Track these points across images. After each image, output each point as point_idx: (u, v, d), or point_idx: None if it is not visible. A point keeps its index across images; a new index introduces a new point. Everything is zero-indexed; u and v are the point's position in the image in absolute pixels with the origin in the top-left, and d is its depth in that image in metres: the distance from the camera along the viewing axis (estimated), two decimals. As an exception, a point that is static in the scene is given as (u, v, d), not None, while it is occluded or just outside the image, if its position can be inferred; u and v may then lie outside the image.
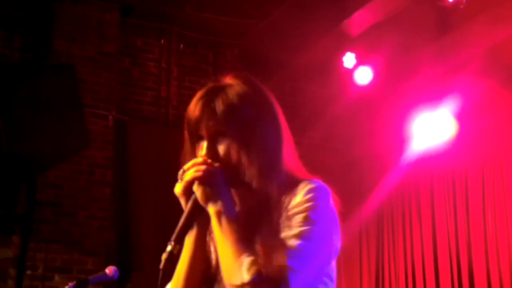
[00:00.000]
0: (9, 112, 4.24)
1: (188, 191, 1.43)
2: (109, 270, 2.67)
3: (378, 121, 6.15)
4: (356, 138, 6.32)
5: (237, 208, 1.44)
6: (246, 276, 1.33)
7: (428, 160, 5.92)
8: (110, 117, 5.70)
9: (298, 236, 1.39)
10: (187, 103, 6.01)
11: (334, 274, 1.52)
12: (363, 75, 5.83)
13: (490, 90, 5.36)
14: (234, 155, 1.45)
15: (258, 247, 1.38)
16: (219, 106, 1.49)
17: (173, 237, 1.41)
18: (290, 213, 1.43)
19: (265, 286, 1.32)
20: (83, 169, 5.55)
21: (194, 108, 1.51)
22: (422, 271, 5.91)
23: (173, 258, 1.40)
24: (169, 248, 1.39)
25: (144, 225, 5.39)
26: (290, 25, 5.63)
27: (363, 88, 5.88)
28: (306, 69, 6.12)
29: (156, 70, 6.25)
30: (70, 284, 2.50)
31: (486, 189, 5.59)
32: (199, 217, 1.44)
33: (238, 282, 1.34)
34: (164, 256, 1.39)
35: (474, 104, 5.48)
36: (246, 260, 1.34)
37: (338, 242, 1.52)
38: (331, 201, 1.51)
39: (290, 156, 1.53)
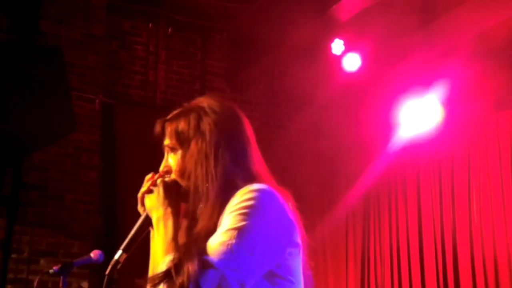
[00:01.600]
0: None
1: (142, 204, 1.62)
2: (94, 254, 2.67)
3: (366, 107, 6.16)
4: (344, 124, 6.33)
5: (181, 215, 1.57)
6: (163, 267, 1.43)
7: (415, 147, 5.95)
8: (97, 100, 5.67)
9: (222, 234, 1.43)
10: (175, 87, 6.04)
11: (291, 273, 1.51)
12: (352, 62, 5.84)
13: (478, 76, 5.38)
14: (182, 168, 1.59)
15: (191, 247, 1.46)
16: (170, 125, 1.64)
17: (122, 246, 1.58)
18: (226, 213, 1.47)
19: (185, 278, 1.38)
20: (69, 152, 5.52)
21: (156, 127, 1.68)
22: (407, 256, 5.96)
23: (118, 265, 1.55)
24: (116, 256, 1.56)
25: (130, 209, 5.35)
26: (278, 10, 5.61)
27: (351, 74, 5.88)
28: (295, 54, 6.11)
29: (144, 53, 6.21)
30: (55, 267, 2.50)
31: (471, 176, 5.63)
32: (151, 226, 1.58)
33: (159, 271, 1.43)
34: (112, 262, 1.54)
35: (461, 90, 5.50)
36: (169, 257, 1.45)
37: (288, 241, 1.51)
38: (276, 201, 1.52)
39: (246, 165, 1.58)
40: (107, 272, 1.56)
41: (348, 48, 5.78)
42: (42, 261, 5.10)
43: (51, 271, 2.53)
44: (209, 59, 6.52)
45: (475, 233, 5.48)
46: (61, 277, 2.55)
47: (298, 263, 1.55)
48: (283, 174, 6.29)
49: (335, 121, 6.36)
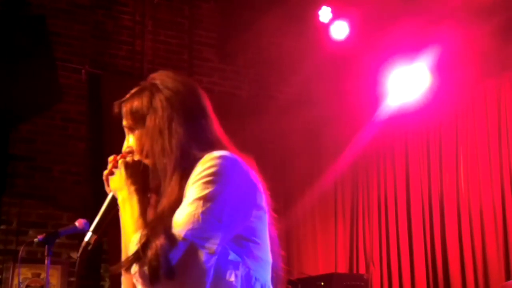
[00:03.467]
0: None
1: (108, 186, 1.65)
2: (79, 222, 2.68)
3: (354, 76, 6.14)
4: (332, 92, 6.32)
5: (148, 192, 1.59)
6: (134, 247, 1.43)
7: (403, 114, 5.95)
8: (83, 71, 5.63)
9: (187, 205, 1.44)
10: (163, 57, 5.98)
11: (257, 235, 1.53)
12: (339, 30, 5.80)
13: (466, 43, 5.37)
14: (140, 147, 1.61)
15: (157, 223, 1.47)
16: (125, 105, 1.65)
17: (92, 227, 1.62)
18: (189, 184, 1.49)
19: (153, 255, 1.40)
20: (56, 123, 5.49)
21: (114, 108, 1.68)
22: (395, 223, 6.01)
23: (89, 247, 1.59)
24: (86, 238, 1.59)
25: (119, 179, 5.37)
26: (266, -22, 5.56)
27: (339, 43, 5.85)
28: (282, 23, 6.07)
29: (131, 23, 6.15)
30: (39, 236, 2.51)
31: (459, 143, 5.65)
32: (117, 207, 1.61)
33: (130, 254, 1.44)
34: (82, 245, 1.58)
35: (449, 57, 5.49)
36: (138, 234, 1.46)
37: (253, 204, 1.53)
38: (238, 166, 1.53)
39: (203, 136, 1.60)
40: (78, 254, 1.60)
41: (335, 16, 5.74)
42: (31, 232, 5.11)
43: (35, 240, 2.54)
44: (196, 29, 6.47)
45: (462, 200, 5.52)
46: (46, 246, 2.55)
47: (264, 226, 1.56)
48: (272, 143, 6.38)
49: (324, 90, 6.35)
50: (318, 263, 6.23)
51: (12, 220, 5.14)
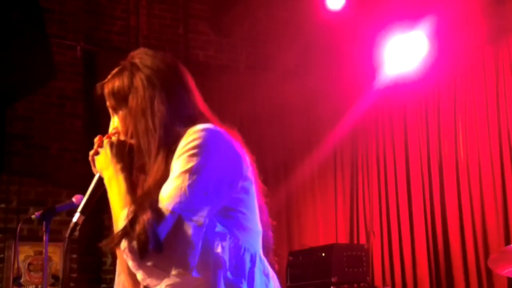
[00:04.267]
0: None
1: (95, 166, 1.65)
2: (76, 198, 2.67)
3: (352, 45, 6.09)
4: (330, 63, 6.29)
5: (133, 171, 1.59)
6: (122, 223, 1.45)
7: (401, 83, 5.93)
8: (78, 47, 5.58)
9: (173, 179, 1.45)
10: (158, 32, 5.93)
11: (244, 205, 1.53)
12: (335, 0, 5.74)
13: (464, 10, 5.32)
14: (125, 127, 1.61)
15: (144, 198, 1.48)
16: (107, 86, 1.65)
17: (80, 208, 1.63)
18: (175, 158, 1.49)
19: (141, 229, 1.41)
20: (53, 101, 5.47)
21: (97, 90, 1.68)
22: (395, 191, 6.02)
23: (77, 227, 1.62)
24: (74, 219, 1.61)
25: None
26: None
27: (336, 13, 5.79)
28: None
29: (124, -2, 6.08)
30: (37, 213, 2.50)
31: (457, 111, 5.63)
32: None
33: (119, 229, 1.46)
34: (70, 225, 1.60)
35: (446, 24, 5.44)
36: (125, 210, 1.47)
37: (239, 175, 1.53)
38: (221, 138, 1.53)
39: (186, 112, 1.60)
40: (67, 235, 1.63)
41: (331, -14, 5.68)
42: (31, 210, 5.11)
43: (33, 216, 2.54)
44: (191, 2, 6.40)
45: (461, 167, 5.52)
46: (44, 222, 2.55)
47: (251, 196, 1.56)
48: (269, 114, 6.35)
49: (321, 60, 6.31)
50: (319, 234, 6.26)
51: (12, 198, 5.15)
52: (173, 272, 1.40)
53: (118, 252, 1.61)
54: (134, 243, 1.41)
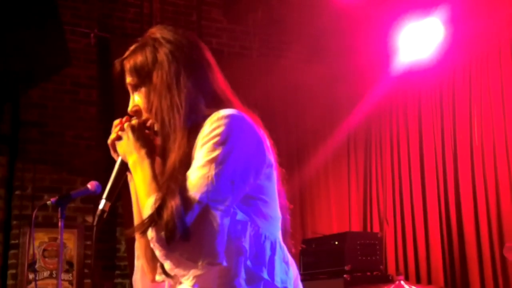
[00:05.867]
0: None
1: (115, 151, 1.60)
2: (91, 185, 2.68)
3: (365, 32, 6.05)
4: (343, 50, 6.24)
5: (156, 153, 1.55)
6: (148, 211, 1.42)
7: (416, 70, 5.88)
8: (92, 35, 5.59)
9: (200, 167, 1.43)
10: (171, 19, 5.91)
11: (265, 192, 1.52)
12: (350, -14, 5.69)
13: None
14: (148, 104, 1.56)
15: (171, 184, 1.45)
16: (128, 62, 1.60)
17: (104, 195, 1.58)
18: (198, 146, 1.47)
19: (169, 216, 1.38)
20: (67, 88, 5.49)
21: (115, 67, 1.64)
22: (409, 179, 5.99)
23: (104, 215, 1.56)
24: (101, 206, 1.55)
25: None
26: None
27: (350, -1, 5.74)
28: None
29: (138, -15, 6.07)
30: (52, 199, 2.51)
31: (473, 98, 5.58)
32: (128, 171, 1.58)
33: (145, 217, 1.43)
34: (97, 213, 1.55)
35: (462, 9, 5.38)
36: (152, 197, 1.44)
37: (263, 162, 1.51)
38: (245, 124, 1.51)
39: (210, 90, 1.57)
40: (94, 223, 1.57)
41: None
42: (46, 197, 5.14)
43: (48, 203, 2.55)
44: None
45: (476, 155, 5.47)
46: (59, 208, 2.56)
47: (272, 183, 1.55)
48: (283, 102, 6.33)
49: (334, 47, 6.27)
50: (332, 222, 6.25)
51: (27, 185, 5.18)
52: (201, 262, 1.39)
53: (139, 241, 1.61)
54: (162, 233, 1.39)
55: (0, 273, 5.04)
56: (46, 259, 5.04)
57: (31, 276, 4.80)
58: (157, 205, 1.41)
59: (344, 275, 4.89)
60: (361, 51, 6.16)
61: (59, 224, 2.55)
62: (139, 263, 1.64)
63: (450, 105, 5.77)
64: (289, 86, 6.17)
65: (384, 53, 5.93)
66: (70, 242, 5.12)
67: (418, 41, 5.62)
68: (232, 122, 1.47)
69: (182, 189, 1.41)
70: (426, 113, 5.98)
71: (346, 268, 4.95)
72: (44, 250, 5.04)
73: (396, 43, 5.77)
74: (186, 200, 1.40)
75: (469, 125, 5.57)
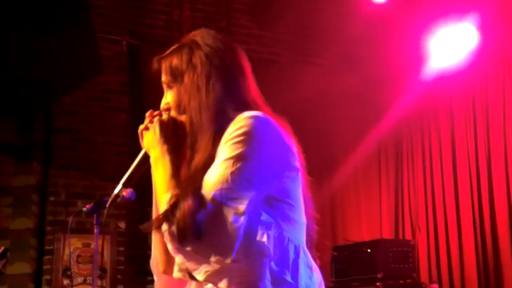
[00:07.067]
0: (21, 38, 4.20)
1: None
2: (126, 191, 2.68)
3: (396, 39, 6.00)
4: (373, 57, 6.20)
5: (180, 151, 1.58)
6: (163, 207, 1.46)
7: (448, 76, 5.81)
8: (123, 42, 5.65)
9: (218, 165, 1.45)
10: (200, 25, 5.88)
11: (290, 196, 1.52)
12: (380, -9, 5.66)
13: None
14: (178, 103, 1.61)
15: (189, 184, 1.47)
16: (165, 61, 1.66)
17: (122, 180, 1.67)
18: (221, 145, 1.48)
19: (181, 215, 1.41)
20: (98, 95, 5.55)
21: (153, 64, 1.70)
22: (441, 187, 5.91)
23: (118, 199, 1.66)
24: (116, 190, 1.64)
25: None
26: None
27: (381, 5, 5.71)
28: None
29: (167, -8, 6.12)
30: (88, 205, 2.52)
31: (506, 105, 5.49)
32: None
33: (160, 213, 1.47)
34: (111, 196, 1.65)
35: (495, 14, 5.30)
36: (169, 193, 1.47)
37: (286, 165, 1.51)
38: (270, 126, 1.51)
39: (239, 95, 1.59)
40: (107, 205, 1.67)
41: (376, -23, 5.60)
42: (79, 203, 5.20)
43: (84, 209, 2.56)
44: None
45: (510, 162, 5.38)
46: (94, 215, 2.57)
47: (297, 186, 1.54)
48: (313, 109, 6.30)
49: (364, 54, 6.23)
50: (362, 229, 6.20)
51: (60, 191, 5.24)
52: (212, 259, 1.40)
53: (155, 235, 1.63)
54: (174, 228, 1.41)
55: (35, 278, 5.11)
56: (80, 265, 5.08)
57: (65, 281, 4.85)
58: (171, 202, 1.44)
59: (377, 283, 4.83)
60: (392, 58, 6.11)
61: (94, 230, 2.56)
62: (155, 251, 1.67)
63: (484, 111, 5.69)
64: (318, 93, 6.14)
65: (416, 59, 5.88)
66: (103, 248, 5.16)
67: (451, 46, 5.55)
68: (255, 123, 1.48)
69: (198, 187, 1.43)
70: (459, 119, 5.90)
71: (379, 276, 4.90)
72: (78, 256, 5.08)
73: (427, 49, 5.71)
74: (200, 197, 1.41)
75: (503, 131, 5.48)
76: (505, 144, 5.45)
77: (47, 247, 5.12)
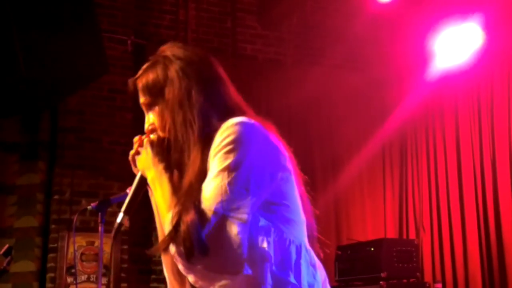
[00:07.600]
0: (27, 38, 4.22)
1: (136, 166, 1.63)
2: (130, 190, 2.70)
3: (401, 38, 6.00)
4: (379, 56, 6.20)
5: (174, 170, 1.56)
6: (168, 227, 1.43)
7: (453, 76, 5.81)
8: (129, 42, 5.66)
9: (213, 178, 1.44)
10: (206, 25, 5.94)
11: (286, 197, 1.51)
12: (385, -9, 5.65)
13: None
14: (162, 122, 1.57)
15: (186, 200, 1.46)
16: (141, 81, 1.61)
17: (123, 208, 1.61)
18: (211, 156, 1.47)
19: (185, 233, 1.39)
20: (104, 95, 5.57)
21: (129, 86, 1.66)
22: (445, 187, 5.91)
23: (122, 227, 1.60)
24: (119, 219, 1.59)
25: (166, 148, 5.42)
26: None
27: (385, 5, 5.71)
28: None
29: (173, -8, 6.13)
30: (93, 204, 2.55)
31: (511, 104, 5.49)
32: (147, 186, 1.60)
33: (166, 233, 1.45)
34: (115, 226, 1.58)
35: (501, 13, 5.30)
36: (171, 212, 1.45)
37: (277, 166, 1.51)
38: (256, 130, 1.50)
39: (222, 103, 1.57)
40: (112, 235, 1.62)
41: (381, -23, 5.60)
42: (84, 202, 5.23)
43: (89, 207, 2.58)
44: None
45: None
46: (99, 213, 2.59)
47: (292, 187, 1.54)
48: (318, 109, 6.31)
49: (370, 54, 6.23)
50: (367, 229, 6.20)
51: (65, 190, 5.27)
52: (224, 273, 1.40)
53: (164, 256, 1.62)
54: (182, 248, 1.40)
55: (39, 276, 5.13)
56: (84, 263, 5.11)
57: (69, 279, 4.87)
58: (174, 221, 1.42)
59: (380, 282, 4.84)
60: (397, 58, 6.11)
61: (99, 229, 2.58)
62: (167, 274, 1.66)
63: (488, 111, 5.68)
64: (323, 92, 6.15)
65: (421, 59, 5.88)
66: (106, 246, 5.15)
67: (456, 46, 5.55)
68: (241, 129, 1.47)
69: (197, 203, 1.42)
70: (464, 118, 5.89)
71: (382, 275, 4.90)
72: (82, 254, 5.11)
73: (432, 49, 5.70)
74: (201, 213, 1.40)
75: (508, 130, 5.47)
76: (510, 144, 5.44)
77: (51, 245, 5.15)
